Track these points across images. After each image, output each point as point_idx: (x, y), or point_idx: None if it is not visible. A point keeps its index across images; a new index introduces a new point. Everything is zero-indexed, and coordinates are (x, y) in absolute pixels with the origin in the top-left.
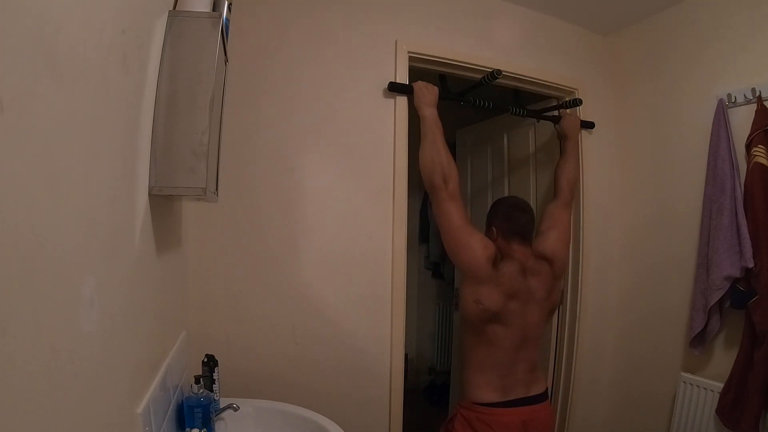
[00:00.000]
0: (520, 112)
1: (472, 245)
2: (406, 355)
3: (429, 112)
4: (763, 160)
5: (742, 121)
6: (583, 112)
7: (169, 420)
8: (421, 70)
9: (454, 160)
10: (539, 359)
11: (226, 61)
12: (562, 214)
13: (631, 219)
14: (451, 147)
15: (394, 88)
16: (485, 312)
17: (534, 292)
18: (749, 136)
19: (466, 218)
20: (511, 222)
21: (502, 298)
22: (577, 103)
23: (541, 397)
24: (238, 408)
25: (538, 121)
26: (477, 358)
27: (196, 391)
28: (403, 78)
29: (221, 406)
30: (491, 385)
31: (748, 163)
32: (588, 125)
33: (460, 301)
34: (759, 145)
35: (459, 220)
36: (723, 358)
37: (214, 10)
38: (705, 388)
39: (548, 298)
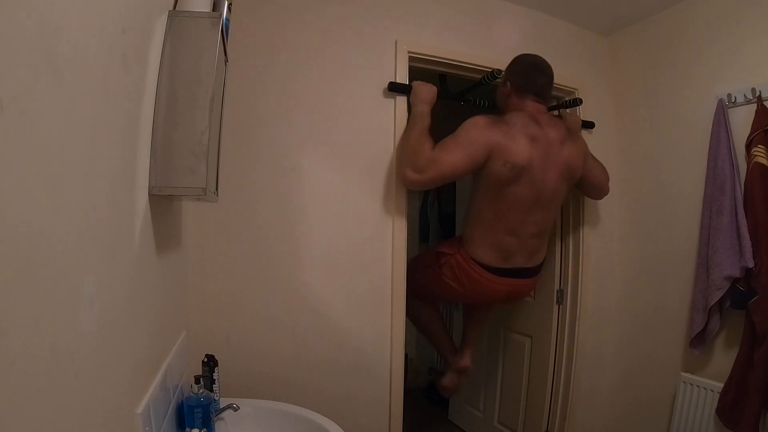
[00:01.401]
0: None
1: (472, 137)
2: (406, 355)
3: (421, 108)
4: (763, 160)
5: (742, 121)
6: (583, 112)
7: (169, 420)
8: (421, 70)
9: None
10: (548, 226)
11: (226, 61)
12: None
13: (630, 218)
14: None
15: (394, 88)
16: (512, 169)
17: (551, 141)
18: (749, 136)
19: (452, 142)
20: (529, 81)
21: (526, 148)
22: (577, 103)
23: (535, 271)
24: (238, 408)
25: None
26: (487, 216)
27: (196, 391)
28: (403, 78)
29: (221, 406)
30: (495, 247)
31: (748, 163)
32: (588, 125)
33: (481, 175)
34: (759, 145)
35: (455, 151)
36: (723, 358)
37: (214, 10)
38: (705, 388)
39: (566, 155)
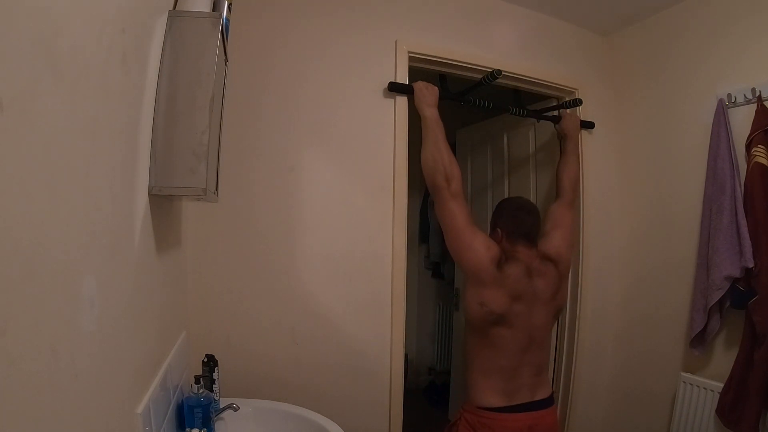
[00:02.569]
0: (520, 112)
1: (476, 246)
2: (406, 356)
3: (430, 113)
4: (763, 160)
5: (742, 121)
6: (583, 112)
7: (169, 420)
8: (421, 70)
9: (455, 158)
10: (546, 363)
11: (226, 61)
12: (566, 214)
13: (631, 219)
14: (452, 147)
15: (394, 88)
16: (490, 315)
17: (540, 293)
18: (749, 136)
19: (469, 218)
20: (517, 224)
21: (507, 300)
22: (577, 103)
23: (547, 402)
24: (238, 408)
25: (538, 121)
26: (481, 361)
27: (196, 391)
28: (403, 78)
29: (221, 406)
30: (496, 389)
31: (748, 163)
32: (588, 125)
33: (462, 304)
34: (759, 145)
35: (462, 220)
36: (723, 358)
37: (214, 10)
38: (705, 388)
39: (554, 299)
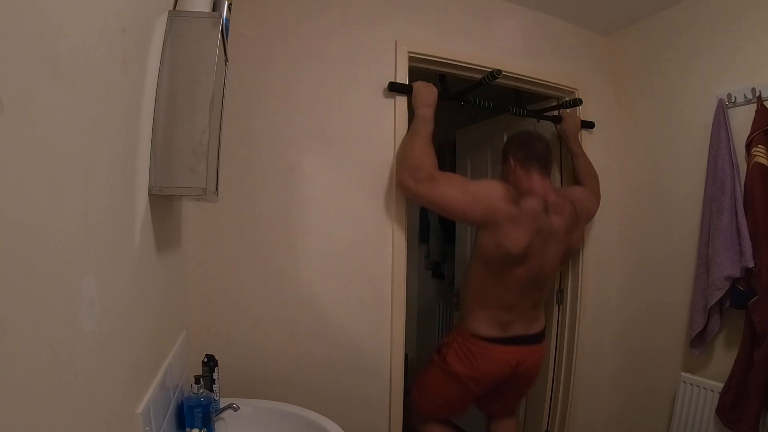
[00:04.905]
0: (520, 112)
1: (481, 194)
2: (406, 355)
3: (424, 111)
4: (763, 160)
5: (742, 121)
6: (583, 112)
7: (169, 420)
8: (421, 70)
9: (454, 160)
10: (545, 298)
11: (226, 61)
12: (588, 192)
13: (630, 219)
14: (452, 147)
15: (394, 88)
16: (507, 256)
17: (555, 230)
18: (749, 136)
19: (461, 180)
20: (528, 150)
21: (526, 238)
22: (577, 103)
23: (538, 337)
24: (238, 408)
25: (538, 121)
26: (484, 293)
27: (196, 391)
28: (403, 78)
29: (221, 406)
30: (493, 320)
31: (748, 163)
32: (588, 125)
33: (476, 245)
34: (759, 145)
35: (456, 188)
36: (723, 358)
37: (214, 10)
38: (705, 388)
39: (567, 238)
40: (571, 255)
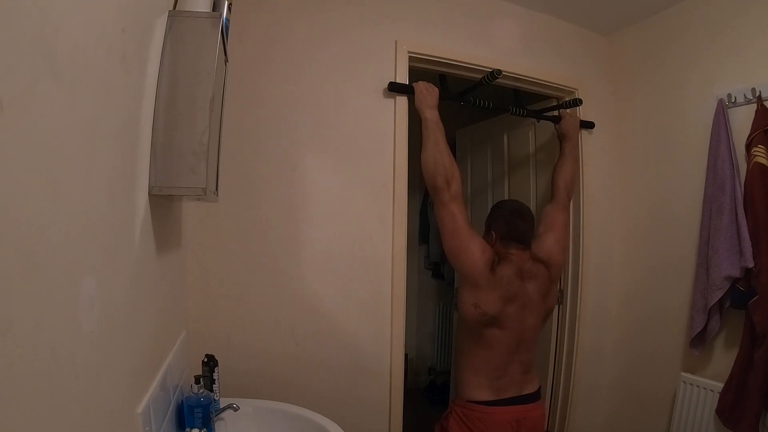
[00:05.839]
0: (520, 112)
1: (472, 249)
2: (406, 355)
3: (431, 114)
4: (763, 160)
5: (742, 121)
6: (583, 112)
7: (169, 420)
8: (421, 70)
9: (455, 160)
10: (534, 361)
11: (226, 61)
12: (559, 216)
13: (631, 219)
14: (451, 147)
15: (394, 88)
16: (483, 316)
17: (531, 295)
18: (749, 136)
19: (467, 221)
20: (511, 228)
21: (500, 302)
22: (577, 103)
23: (534, 396)
24: (238, 408)
25: (538, 121)
26: (473, 359)
27: (196, 391)
28: (403, 78)
29: (221, 406)
30: (485, 386)
31: (748, 163)
32: (588, 125)
33: (458, 304)
34: (759, 145)
35: (461, 223)
36: (723, 358)
37: (214, 10)
38: (705, 388)
39: (544, 302)
40: (549, 315)
